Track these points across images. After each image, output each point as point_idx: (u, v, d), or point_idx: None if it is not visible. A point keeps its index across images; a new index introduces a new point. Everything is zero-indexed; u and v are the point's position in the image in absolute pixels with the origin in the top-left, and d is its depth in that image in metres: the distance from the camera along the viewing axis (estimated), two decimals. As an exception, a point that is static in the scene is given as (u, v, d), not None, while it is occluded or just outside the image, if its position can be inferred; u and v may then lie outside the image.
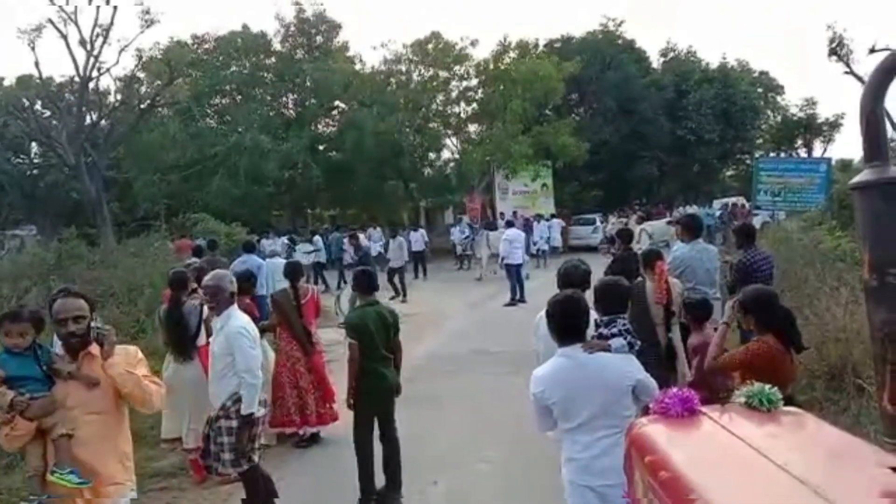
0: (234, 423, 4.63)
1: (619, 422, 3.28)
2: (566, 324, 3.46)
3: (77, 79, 23.09)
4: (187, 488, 5.73)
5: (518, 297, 14.96)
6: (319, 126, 31.53)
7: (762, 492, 1.73)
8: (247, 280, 7.27)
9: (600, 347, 3.44)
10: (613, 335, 3.51)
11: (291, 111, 31.27)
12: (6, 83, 28.85)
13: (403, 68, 29.51)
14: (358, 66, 30.50)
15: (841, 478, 1.78)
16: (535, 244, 22.38)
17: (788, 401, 3.42)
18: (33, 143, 30.83)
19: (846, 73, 22.37)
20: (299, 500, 5.48)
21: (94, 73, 22.92)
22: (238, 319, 4.78)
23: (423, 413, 7.11)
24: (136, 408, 3.50)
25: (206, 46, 29.94)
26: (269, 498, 4.96)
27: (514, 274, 15.02)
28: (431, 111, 29.68)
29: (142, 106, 25.16)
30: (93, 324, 3.38)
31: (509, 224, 17.60)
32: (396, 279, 16.52)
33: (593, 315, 3.71)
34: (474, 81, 29.60)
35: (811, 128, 38.62)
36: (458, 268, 23.35)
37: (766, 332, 3.96)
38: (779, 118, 39.68)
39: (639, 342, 3.63)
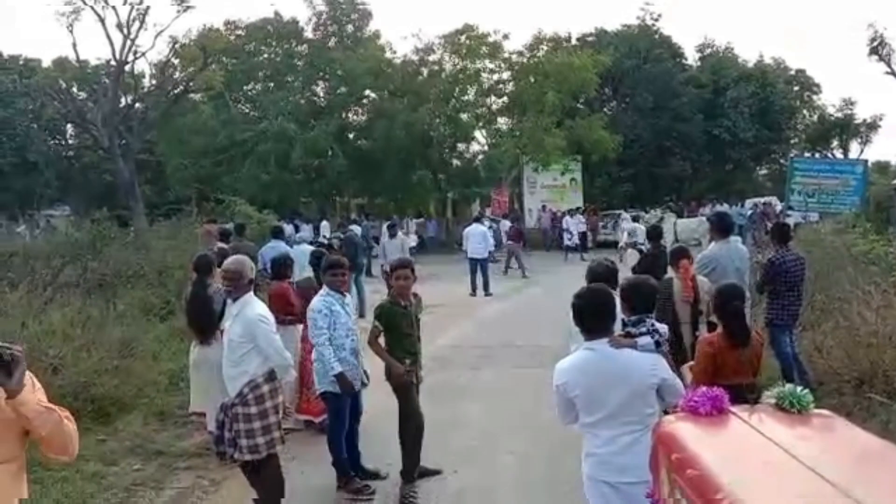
0: (253, 410, 4.64)
1: (641, 419, 3.25)
2: (592, 317, 3.44)
3: (113, 62, 23.37)
4: (213, 468, 5.81)
5: (483, 290, 15.72)
6: (349, 115, 31.66)
7: (791, 493, 1.71)
8: (284, 265, 7.28)
9: (627, 344, 3.42)
10: (641, 334, 3.48)
11: (322, 99, 31.41)
12: (44, 65, 29.41)
13: (435, 58, 29.44)
14: (389, 55, 30.52)
15: (872, 481, 1.75)
16: (569, 237, 23.60)
17: (752, 388, 3.47)
18: (69, 125, 31.37)
19: (887, 73, 21.93)
20: (317, 485, 5.54)
21: (130, 57, 23.21)
22: (255, 307, 4.77)
23: (447, 403, 7.14)
24: (50, 455, 2.61)
25: (238, 33, 30.17)
26: (280, 488, 4.96)
27: (480, 268, 15.89)
28: (462, 102, 29.61)
29: (175, 91, 25.42)
30: None
31: (477, 220, 18.43)
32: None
33: (619, 314, 3.69)
34: (506, 74, 29.45)
35: (848, 128, 37.82)
36: None
37: (723, 324, 4.26)
38: (815, 118, 38.94)
39: (667, 342, 3.60)
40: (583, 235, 24.29)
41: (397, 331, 5.35)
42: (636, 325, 3.55)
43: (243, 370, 4.64)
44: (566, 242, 23.65)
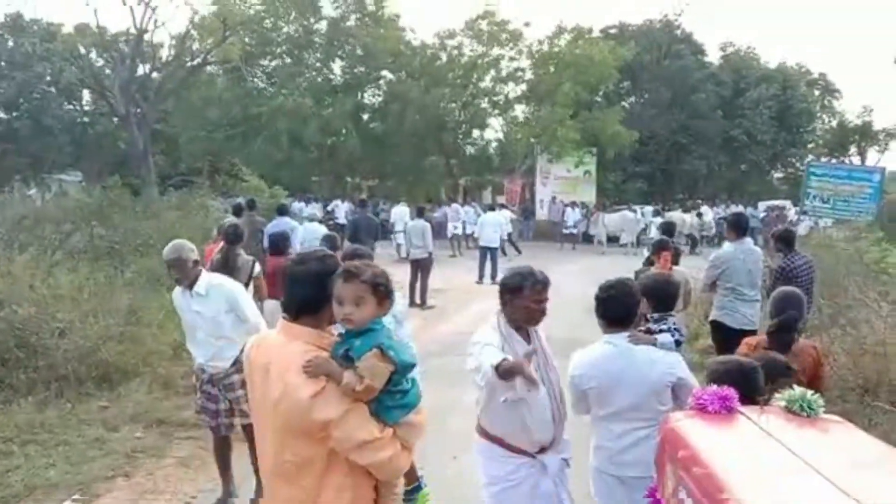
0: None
1: (653, 415, 3.24)
2: (614, 310, 3.43)
3: (133, 30, 23.36)
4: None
5: (489, 279, 15.29)
6: (365, 95, 31.54)
7: (798, 495, 1.69)
8: (283, 240, 7.56)
9: (646, 341, 3.40)
10: (662, 331, 3.46)
11: (338, 78, 31.30)
12: (64, 30, 29.38)
13: (454, 43, 29.21)
14: (409, 36, 30.33)
15: (880, 488, 1.73)
16: (566, 228, 25.36)
17: None
18: (86, 91, 31.38)
19: (910, 81, 21.61)
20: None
21: (150, 27, 23.18)
22: (225, 280, 4.89)
23: (447, 388, 7.14)
24: None
25: (258, 7, 29.98)
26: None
27: (490, 256, 15.82)
28: (480, 88, 29.45)
29: (193, 62, 25.40)
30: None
31: (490, 208, 18.85)
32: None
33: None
34: (525, 62, 29.26)
35: (867, 135, 37.46)
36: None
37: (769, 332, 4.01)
38: (834, 123, 38.57)
39: (684, 340, 3.59)
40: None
41: None
42: (658, 323, 3.54)
43: (230, 339, 4.69)
44: (564, 231, 25.11)
